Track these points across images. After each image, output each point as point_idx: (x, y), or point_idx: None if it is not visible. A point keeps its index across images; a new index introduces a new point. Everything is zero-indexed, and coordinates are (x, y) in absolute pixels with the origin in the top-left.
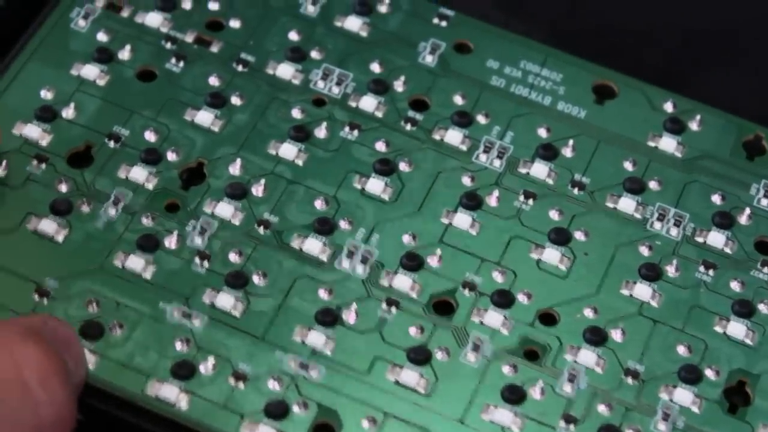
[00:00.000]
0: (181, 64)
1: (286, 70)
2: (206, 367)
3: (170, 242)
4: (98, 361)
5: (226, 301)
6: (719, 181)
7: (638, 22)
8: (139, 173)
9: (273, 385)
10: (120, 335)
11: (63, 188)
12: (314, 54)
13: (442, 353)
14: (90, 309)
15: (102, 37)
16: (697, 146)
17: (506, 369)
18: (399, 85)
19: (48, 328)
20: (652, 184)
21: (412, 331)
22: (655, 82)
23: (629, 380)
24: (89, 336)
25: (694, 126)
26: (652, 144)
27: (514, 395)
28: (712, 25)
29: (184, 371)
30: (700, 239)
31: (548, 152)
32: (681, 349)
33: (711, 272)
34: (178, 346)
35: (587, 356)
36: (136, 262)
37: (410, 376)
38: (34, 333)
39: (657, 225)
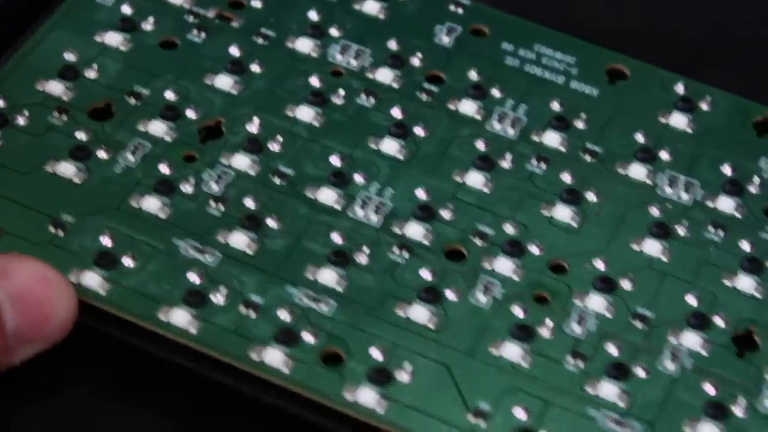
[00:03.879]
0: (203, 35)
1: (305, 44)
2: (217, 297)
3: (187, 188)
4: (110, 288)
5: (240, 240)
6: (729, 154)
7: (651, 11)
8: (158, 127)
9: (284, 315)
10: (134, 266)
11: (83, 137)
12: (333, 32)
13: (452, 294)
14: (104, 242)
15: (126, 10)
16: (707, 124)
17: (516, 310)
18: (416, 61)
19: None
20: (663, 155)
21: (424, 273)
22: (667, 69)
23: (638, 324)
24: (102, 265)
25: (704, 106)
26: (663, 120)
27: (523, 332)
28: (723, 16)
29: (196, 299)
30: (710, 204)
31: (561, 123)
32: (690, 299)
33: (720, 232)
34: (191, 277)
35: (597, 301)
36: (152, 203)
37: (421, 312)
38: None
39: (668, 190)
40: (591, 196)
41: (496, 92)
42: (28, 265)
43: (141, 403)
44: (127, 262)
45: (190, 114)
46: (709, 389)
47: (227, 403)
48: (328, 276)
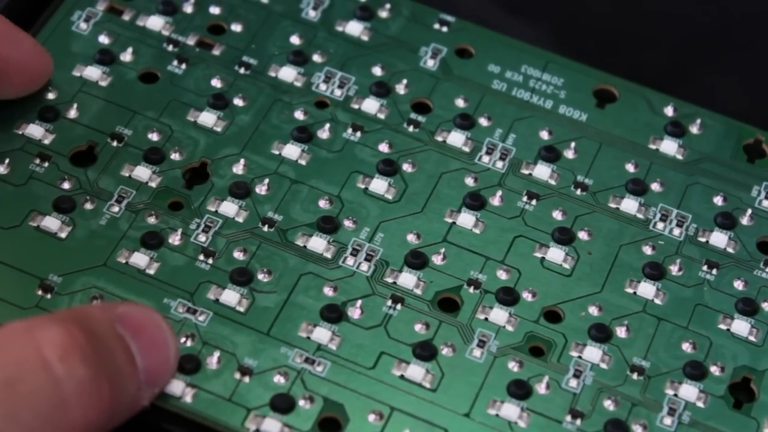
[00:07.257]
0: (183, 66)
1: (288, 73)
2: (211, 361)
3: (174, 239)
4: None
5: (231, 297)
6: (721, 183)
7: (638, 25)
8: (142, 172)
9: (278, 379)
10: None
11: (66, 186)
12: (316, 57)
13: (447, 349)
14: (94, 304)
15: (104, 39)
16: (698, 149)
17: (512, 364)
18: (401, 88)
19: (113, 313)
20: (654, 186)
21: (417, 327)
22: (655, 85)
23: (634, 376)
24: None
25: (694, 129)
26: (653, 147)
27: (520, 390)
28: (711, 28)
29: (190, 365)
30: (702, 239)
31: (551, 154)
32: (685, 346)
33: (714, 271)
34: (183, 340)
35: (592, 353)
36: (140, 259)
37: (416, 371)
38: (60, 316)
39: (660, 225)
40: (583, 235)
41: (484, 121)
42: (139, 310)
43: None
44: None
45: (174, 156)
46: None
47: None
48: (322, 334)
